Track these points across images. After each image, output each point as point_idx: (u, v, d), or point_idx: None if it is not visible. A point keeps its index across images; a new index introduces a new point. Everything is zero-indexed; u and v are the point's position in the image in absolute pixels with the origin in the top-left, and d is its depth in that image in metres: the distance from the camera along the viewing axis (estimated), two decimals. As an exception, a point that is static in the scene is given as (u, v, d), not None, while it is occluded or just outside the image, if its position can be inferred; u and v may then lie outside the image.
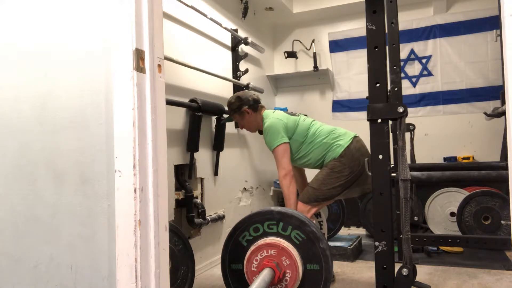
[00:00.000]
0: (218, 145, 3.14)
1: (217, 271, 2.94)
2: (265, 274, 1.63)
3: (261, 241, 1.76)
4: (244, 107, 2.56)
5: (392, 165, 2.40)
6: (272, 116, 2.51)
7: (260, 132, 2.67)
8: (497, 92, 3.55)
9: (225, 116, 3.09)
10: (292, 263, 1.69)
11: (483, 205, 3.20)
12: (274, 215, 1.78)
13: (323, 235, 1.79)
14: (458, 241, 2.77)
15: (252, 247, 1.76)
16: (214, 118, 3.11)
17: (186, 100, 2.77)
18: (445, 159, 3.91)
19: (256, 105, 2.59)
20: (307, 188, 2.47)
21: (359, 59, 4.23)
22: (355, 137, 2.47)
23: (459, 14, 3.94)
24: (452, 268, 2.77)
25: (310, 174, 2.71)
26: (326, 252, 1.70)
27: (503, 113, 2.78)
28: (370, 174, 1.73)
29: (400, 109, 1.64)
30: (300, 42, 4.50)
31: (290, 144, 2.46)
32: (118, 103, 1.20)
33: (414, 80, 4.10)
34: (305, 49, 4.49)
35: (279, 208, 1.82)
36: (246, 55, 3.66)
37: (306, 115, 2.73)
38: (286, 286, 1.69)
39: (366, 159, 2.20)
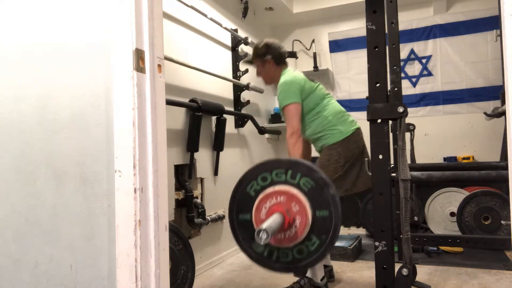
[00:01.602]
0: (218, 145, 3.14)
1: (217, 271, 2.94)
2: (276, 216, 1.62)
3: (270, 189, 1.71)
4: (268, 57, 2.49)
5: (392, 165, 2.40)
6: (291, 74, 2.44)
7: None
8: (497, 92, 3.55)
9: (228, 112, 3.09)
10: (301, 209, 1.66)
11: (483, 205, 3.20)
12: (282, 164, 1.74)
13: (332, 181, 1.75)
14: (458, 241, 2.77)
15: (261, 196, 1.72)
16: (214, 118, 3.11)
17: (186, 100, 2.77)
18: (445, 159, 3.91)
19: (280, 59, 2.51)
20: None
21: (359, 59, 4.23)
22: (358, 128, 2.44)
23: (459, 14, 3.94)
24: (452, 268, 2.77)
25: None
26: (335, 198, 1.66)
27: (503, 113, 2.78)
28: (369, 174, 1.73)
29: (400, 109, 1.64)
30: (300, 42, 4.51)
31: (302, 107, 2.39)
32: (118, 103, 1.20)
33: (414, 80, 4.10)
34: (305, 49, 4.49)
35: (286, 157, 1.78)
36: (246, 55, 3.66)
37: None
38: (296, 232, 1.67)
39: (366, 159, 2.20)
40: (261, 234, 1.43)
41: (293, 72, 2.49)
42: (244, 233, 1.81)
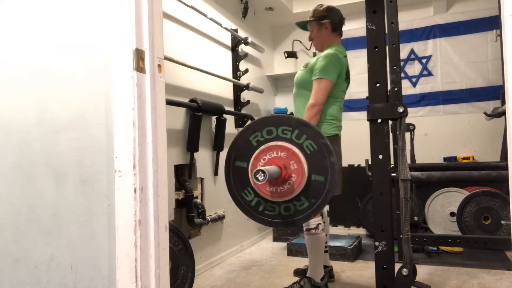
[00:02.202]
0: (218, 145, 3.14)
1: (217, 271, 2.95)
2: (274, 167, 1.63)
3: (273, 143, 1.71)
4: (326, 20, 2.43)
5: (392, 165, 2.40)
6: (341, 51, 2.37)
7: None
8: (497, 92, 3.55)
9: (228, 112, 3.08)
10: (299, 168, 1.65)
11: (483, 205, 3.20)
12: (291, 121, 1.72)
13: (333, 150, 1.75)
14: (458, 241, 2.77)
15: (262, 147, 1.72)
16: (214, 118, 3.11)
17: (186, 100, 2.77)
18: (445, 159, 3.91)
19: (337, 27, 2.46)
20: None
21: (359, 59, 4.21)
22: (336, 135, 2.39)
23: (459, 14, 3.94)
24: (452, 268, 2.77)
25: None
26: (334, 166, 1.67)
27: (503, 113, 2.78)
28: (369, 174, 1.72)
29: (400, 109, 1.64)
30: (300, 42, 4.50)
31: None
32: (118, 103, 1.20)
33: (414, 80, 4.10)
34: (305, 49, 4.48)
35: (297, 117, 1.78)
36: (246, 55, 3.66)
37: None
38: (288, 189, 1.68)
39: (366, 159, 2.19)
40: (259, 174, 1.44)
41: (344, 52, 2.42)
42: (237, 179, 1.81)
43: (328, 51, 2.35)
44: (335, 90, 2.36)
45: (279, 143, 1.71)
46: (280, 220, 1.73)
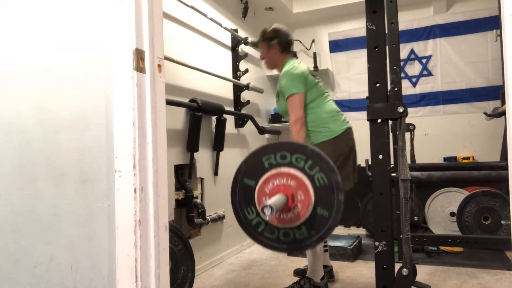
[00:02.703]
0: (218, 145, 3.14)
1: (217, 271, 2.95)
2: (281, 197, 1.63)
3: (285, 169, 1.71)
4: (274, 41, 2.51)
5: (392, 165, 2.40)
6: (296, 66, 2.44)
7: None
8: (497, 92, 3.55)
9: (228, 112, 3.09)
10: (306, 200, 1.66)
11: (483, 205, 3.20)
12: (307, 151, 1.73)
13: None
14: (458, 241, 2.77)
15: (274, 171, 1.72)
16: (214, 118, 3.11)
17: (186, 100, 2.77)
18: (445, 159, 3.91)
19: (286, 47, 2.54)
20: None
21: (359, 59, 4.23)
22: (349, 128, 2.44)
23: (459, 14, 3.94)
24: (452, 268, 2.77)
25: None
26: (341, 204, 1.67)
27: (503, 113, 2.78)
28: (369, 174, 1.72)
29: (400, 109, 1.64)
30: (300, 42, 4.50)
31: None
32: (118, 103, 1.20)
33: (414, 80, 4.10)
34: (305, 49, 4.49)
35: (314, 147, 1.80)
36: (246, 55, 3.66)
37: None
38: (292, 218, 1.68)
39: (366, 159, 2.20)
40: (266, 210, 1.44)
41: (298, 63, 2.49)
42: (242, 196, 1.82)
43: (283, 70, 2.44)
44: (313, 93, 2.41)
45: (291, 170, 1.71)
46: (277, 244, 1.75)
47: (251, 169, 1.82)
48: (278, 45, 2.50)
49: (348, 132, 2.42)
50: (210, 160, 3.12)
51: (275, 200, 1.55)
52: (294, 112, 2.33)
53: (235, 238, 3.44)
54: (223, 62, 3.46)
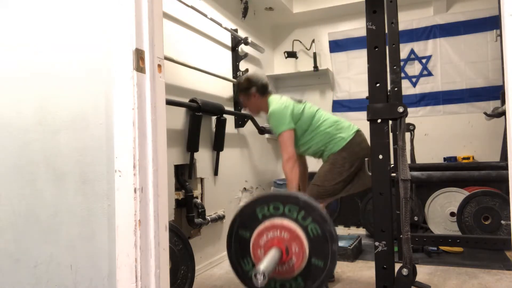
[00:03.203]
0: (218, 145, 3.14)
1: (217, 271, 2.94)
2: (275, 253, 1.64)
3: (278, 220, 1.73)
4: (252, 90, 2.57)
5: (392, 165, 2.40)
6: (279, 102, 2.51)
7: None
8: (497, 92, 3.55)
9: (228, 112, 3.09)
10: (300, 252, 1.68)
11: (483, 205, 3.20)
12: (299, 202, 1.75)
13: (338, 238, 1.79)
14: (458, 241, 2.77)
15: (267, 223, 1.74)
16: (214, 118, 3.11)
17: (186, 100, 2.77)
18: (445, 159, 3.91)
19: (264, 90, 2.60)
20: (311, 187, 2.48)
21: (359, 59, 4.23)
22: (358, 131, 2.47)
23: (459, 14, 3.94)
24: (452, 268, 2.77)
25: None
26: (335, 255, 1.69)
27: (503, 113, 2.78)
28: (370, 174, 1.73)
29: (400, 109, 1.64)
30: (300, 42, 4.50)
31: (295, 130, 2.48)
32: (118, 103, 1.20)
33: (414, 80, 4.10)
34: (305, 49, 4.49)
35: (306, 197, 1.80)
36: (246, 55, 3.66)
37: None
38: (287, 270, 1.70)
39: (366, 159, 2.20)
40: (259, 276, 1.44)
41: (280, 99, 2.55)
42: (237, 247, 1.85)
43: (269, 111, 2.51)
44: (303, 125, 2.49)
45: (284, 222, 1.73)
46: None
47: (245, 220, 1.84)
48: (256, 92, 2.58)
49: (360, 135, 2.46)
50: (210, 160, 3.12)
51: (268, 262, 1.55)
52: (285, 150, 2.41)
53: (235, 238, 3.44)
54: (223, 62, 3.46)
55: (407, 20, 4.01)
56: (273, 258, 1.60)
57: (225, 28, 3.35)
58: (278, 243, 1.69)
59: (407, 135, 3.25)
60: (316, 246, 1.71)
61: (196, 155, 2.85)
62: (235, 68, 3.59)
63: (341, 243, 3.14)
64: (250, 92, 2.58)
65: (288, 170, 2.40)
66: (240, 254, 1.83)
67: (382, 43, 1.69)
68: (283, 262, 1.68)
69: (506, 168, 1.33)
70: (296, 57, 4.51)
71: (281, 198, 1.80)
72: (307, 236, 1.71)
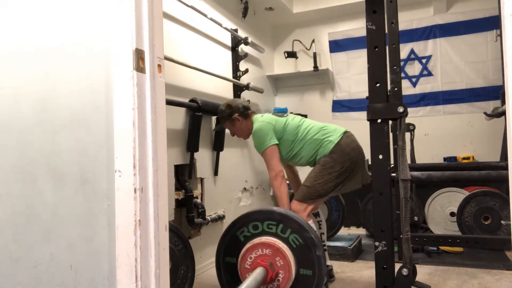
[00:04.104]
0: (218, 145, 3.14)
1: (217, 271, 2.94)
2: (258, 273, 1.64)
3: (257, 240, 1.76)
4: (234, 115, 2.57)
5: (392, 165, 2.40)
6: (260, 120, 2.53)
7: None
8: (497, 92, 3.55)
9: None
10: (285, 264, 1.69)
11: (483, 205, 3.20)
12: (275, 216, 1.78)
13: (321, 242, 1.79)
14: (458, 241, 2.77)
15: (248, 245, 1.76)
16: (214, 118, 3.11)
17: (186, 100, 2.77)
18: (445, 159, 3.91)
19: (246, 112, 2.60)
20: (302, 187, 2.48)
21: (359, 59, 4.23)
22: (345, 132, 2.46)
23: (459, 14, 3.94)
24: (452, 268, 2.77)
25: (303, 173, 2.72)
26: (321, 260, 1.71)
27: (503, 113, 2.78)
28: (370, 174, 1.73)
29: (400, 109, 1.64)
30: (300, 42, 4.50)
31: (282, 144, 2.48)
32: (118, 103, 1.20)
33: (414, 80, 4.10)
34: (305, 49, 4.49)
35: (281, 210, 1.82)
36: (246, 55, 3.66)
37: (305, 115, 2.72)
38: (278, 286, 1.70)
39: (366, 158, 2.20)
40: None
41: (261, 117, 2.56)
42: (228, 275, 1.86)
43: (253, 131, 2.53)
44: (288, 137, 2.48)
45: (263, 239, 1.75)
46: None
47: (229, 246, 1.85)
48: (239, 116, 2.58)
49: (348, 136, 2.44)
50: (210, 160, 3.12)
51: (248, 282, 1.55)
52: (271, 167, 2.42)
53: (235, 238, 3.44)
54: (223, 62, 3.46)
55: (407, 20, 4.01)
56: (254, 277, 1.60)
57: (225, 28, 3.35)
58: (261, 261, 1.71)
59: (407, 135, 3.26)
60: (301, 255, 1.73)
61: (196, 155, 2.85)
62: (235, 68, 3.59)
63: (341, 243, 3.14)
64: (233, 118, 2.58)
65: (276, 187, 2.41)
66: (231, 281, 1.84)
67: (382, 43, 1.69)
68: (272, 279, 1.69)
69: (506, 168, 1.33)
70: (296, 57, 4.51)
71: (258, 215, 1.82)
72: (290, 247, 1.73)
